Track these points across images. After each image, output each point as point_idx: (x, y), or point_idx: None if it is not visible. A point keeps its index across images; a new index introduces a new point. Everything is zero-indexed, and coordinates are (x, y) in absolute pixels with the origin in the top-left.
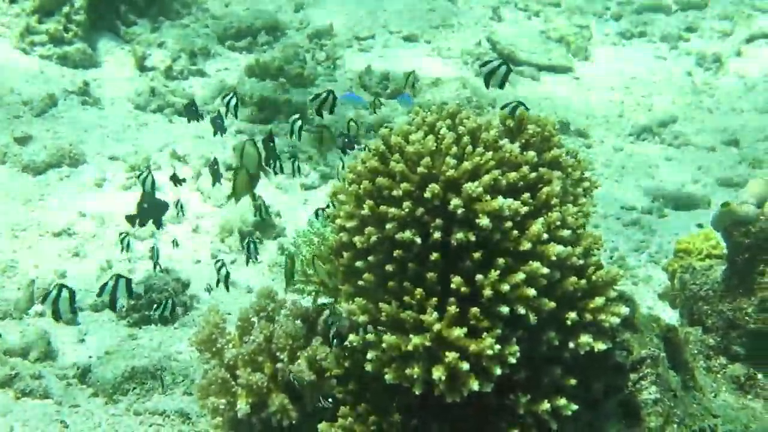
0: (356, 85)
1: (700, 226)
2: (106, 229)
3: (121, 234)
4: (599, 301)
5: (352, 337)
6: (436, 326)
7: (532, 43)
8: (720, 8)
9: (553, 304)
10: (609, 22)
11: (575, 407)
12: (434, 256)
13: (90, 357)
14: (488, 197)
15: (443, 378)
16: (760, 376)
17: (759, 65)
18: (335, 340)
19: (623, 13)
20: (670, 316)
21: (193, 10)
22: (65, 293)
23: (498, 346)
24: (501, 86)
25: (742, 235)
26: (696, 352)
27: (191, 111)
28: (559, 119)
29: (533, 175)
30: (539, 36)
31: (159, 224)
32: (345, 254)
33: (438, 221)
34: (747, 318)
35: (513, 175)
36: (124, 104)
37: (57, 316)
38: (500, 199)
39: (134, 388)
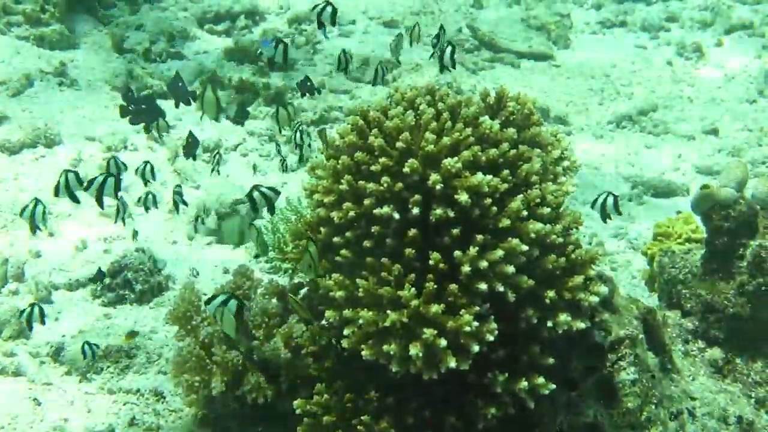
0: (335, 70)
1: (679, 213)
2: (81, 210)
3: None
4: (578, 279)
5: (328, 313)
6: (414, 302)
7: (512, 30)
8: None
9: (532, 282)
10: (590, 11)
11: (553, 386)
12: (412, 232)
13: (63, 336)
14: (467, 173)
15: (420, 355)
16: (738, 360)
17: (739, 56)
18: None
19: (604, 2)
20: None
21: None
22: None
23: (476, 323)
24: (453, 66)
25: (722, 219)
26: (674, 335)
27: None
28: (539, 106)
29: (513, 152)
30: (520, 23)
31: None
32: (322, 230)
33: (416, 197)
34: (726, 302)
35: (493, 151)
36: (101, 86)
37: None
38: (479, 176)
39: (108, 367)
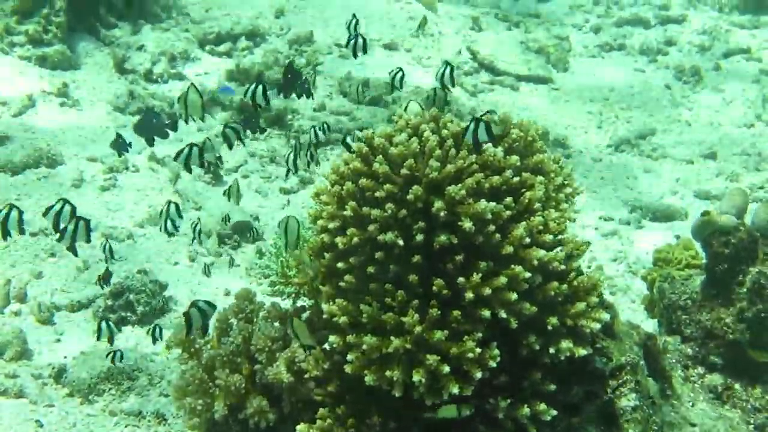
0: (336, 92)
1: (677, 237)
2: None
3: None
4: (580, 306)
5: (332, 338)
6: (417, 329)
7: (511, 53)
8: (698, 23)
9: (534, 309)
10: (588, 34)
11: (554, 413)
12: (416, 258)
13: (65, 357)
14: (471, 200)
15: (423, 380)
16: (737, 386)
17: (736, 80)
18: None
19: (603, 25)
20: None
21: (174, 14)
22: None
23: (479, 350)
24: (452, 84)
25: (722, 245)
26: (674, 361)
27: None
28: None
29: (516, 179)
30: (519, 46)
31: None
32: (326, 255)
33: (420, 223)
34: (725, 328)
35: (496, 178)
36: (102, 106)
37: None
38: (483, 203)
39: (110, 389)
